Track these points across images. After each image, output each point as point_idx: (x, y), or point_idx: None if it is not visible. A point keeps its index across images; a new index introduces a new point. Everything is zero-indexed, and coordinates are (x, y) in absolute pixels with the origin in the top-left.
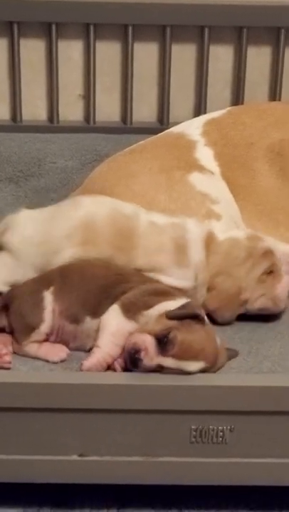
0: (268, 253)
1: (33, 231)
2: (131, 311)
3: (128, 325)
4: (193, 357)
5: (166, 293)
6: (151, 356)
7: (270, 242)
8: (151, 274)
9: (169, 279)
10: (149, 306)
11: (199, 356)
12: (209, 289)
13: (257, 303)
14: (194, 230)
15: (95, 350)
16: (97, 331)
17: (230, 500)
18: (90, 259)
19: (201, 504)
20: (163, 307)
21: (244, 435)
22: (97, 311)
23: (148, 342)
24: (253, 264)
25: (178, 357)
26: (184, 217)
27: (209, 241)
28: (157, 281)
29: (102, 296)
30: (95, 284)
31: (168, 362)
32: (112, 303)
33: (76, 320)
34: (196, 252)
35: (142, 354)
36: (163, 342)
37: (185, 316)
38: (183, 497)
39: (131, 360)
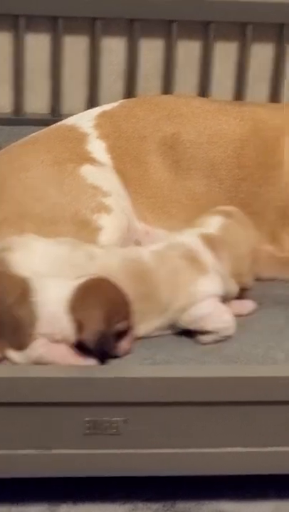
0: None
1: (43, 268)
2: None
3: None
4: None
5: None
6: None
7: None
8: (189, 294)
9: (207, 288)
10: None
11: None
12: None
13: None
14: (191, 240)
15: None
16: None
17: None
18: None
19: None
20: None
21: (138, 426)
22: None
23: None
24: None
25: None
26: (174, 235)
27: (207, 241)
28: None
29: None
30: None
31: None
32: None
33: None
34: (208, 257)
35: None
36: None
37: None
38: (76, 489)
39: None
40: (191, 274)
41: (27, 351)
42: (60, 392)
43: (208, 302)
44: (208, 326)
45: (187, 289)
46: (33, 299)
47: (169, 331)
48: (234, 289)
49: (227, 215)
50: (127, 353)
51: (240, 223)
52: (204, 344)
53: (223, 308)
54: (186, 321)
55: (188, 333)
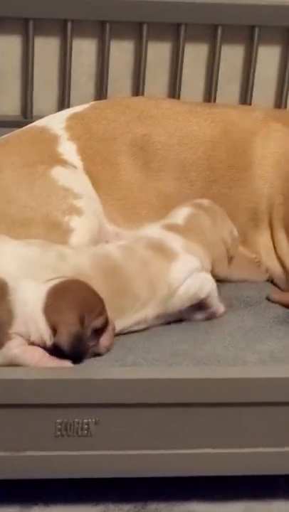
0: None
1: (15, 269)
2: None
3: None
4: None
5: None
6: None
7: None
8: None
9: (182, 274)
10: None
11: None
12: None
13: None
14: (154, 231)
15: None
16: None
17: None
18: None
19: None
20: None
21: (109, 428)
22: None
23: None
24: (219, 220)
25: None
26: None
27: (171, 230)
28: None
29: None
30: None
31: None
32: None
33: None
34: (174, 241)
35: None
36: None
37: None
38: (48, 490)
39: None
40: (161, 263)
41: (3, 350)
42: (31, 394)
43: (191, 280)
44: (203, 294)
45: (164, 279)
46: (11, 298)
47: (160, 321)
48: None
49: (196, 206)
50: (108, 349)
51: (209, 214)
52: (210, 315)
53: (202, 275)
54: (179, 303)
55: (160, 335)
